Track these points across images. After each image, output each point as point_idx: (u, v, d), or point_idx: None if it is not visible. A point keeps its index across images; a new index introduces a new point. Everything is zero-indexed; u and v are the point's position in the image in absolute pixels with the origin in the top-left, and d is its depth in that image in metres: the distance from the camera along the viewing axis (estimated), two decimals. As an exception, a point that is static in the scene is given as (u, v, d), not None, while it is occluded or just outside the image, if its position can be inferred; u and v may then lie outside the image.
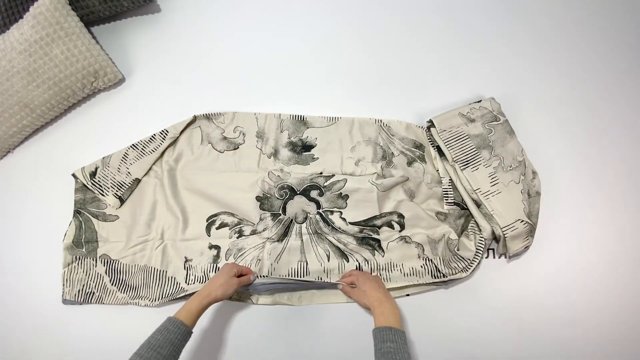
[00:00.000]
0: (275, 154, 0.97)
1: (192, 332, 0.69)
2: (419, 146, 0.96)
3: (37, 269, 0.94)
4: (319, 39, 1.06)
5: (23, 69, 0.94)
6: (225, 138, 0.98)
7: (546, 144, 0.96)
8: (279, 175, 0.95)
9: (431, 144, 0.96)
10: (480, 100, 0.95)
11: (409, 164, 0.95)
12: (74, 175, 0.95)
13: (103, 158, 0.96)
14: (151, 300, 0.89)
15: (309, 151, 0.97)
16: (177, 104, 1.02)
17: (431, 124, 0.95)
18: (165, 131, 0.97)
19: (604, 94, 1.00)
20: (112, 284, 0.90)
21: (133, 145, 0.96)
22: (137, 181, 0.95)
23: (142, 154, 0.95)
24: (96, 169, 0.95)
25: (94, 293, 0.90)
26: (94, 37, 1.02)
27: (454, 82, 1.02)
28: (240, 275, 0.80)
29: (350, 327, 0.87)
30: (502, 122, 0.93)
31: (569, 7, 1.06)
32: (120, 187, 0.94)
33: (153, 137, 0.97)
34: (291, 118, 0.99)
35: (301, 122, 0.99)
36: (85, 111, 1.04)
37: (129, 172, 0.94)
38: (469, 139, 0.91)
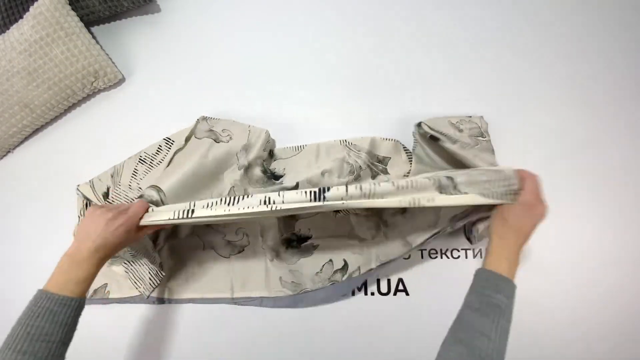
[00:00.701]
0: (247, 168, 0.90)
1: (85, 299, 0.55)
2: (382, 160, 0.95)
3: (37, 269, 0.94)
4: (319, 39, 1.06)
5: (23, 69, 0.94)
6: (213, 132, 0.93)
7: (545, 143, 0.96)
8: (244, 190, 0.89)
9: (409, 152, 0.94)
10: (471, 116, 0.95)
11: (373, 177, 0.93)
12: (86, 197, 0.89)
13: (112, 176, 0.93)
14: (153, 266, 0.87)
15: (278, 180, 0.92)
16: (177, 104, 1.02)
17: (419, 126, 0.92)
18: (170, 140, 0.94)
19: (605, 93, 0.99)
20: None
21: (141, 159, 0.94)
22: None
23: (150, 167, 0.93)
24: (108, 189, 0.92)
25: (107, 284, 0.91)
26: (94, 37, 1.02)
27: (453, 84, 1.02)
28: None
29: (343, 326, 0.88)
30: (486, 140, 0.91)
31: (572, 7, 1.05)
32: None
33: (159, 148, 0.94)
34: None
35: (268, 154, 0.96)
36: (85, 111, 1.04)
37: (139, 187, 0.92)
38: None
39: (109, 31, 1.08)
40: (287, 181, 0.90)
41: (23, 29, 0.92)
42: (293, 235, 0.93)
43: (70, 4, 0.97)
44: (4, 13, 0.96)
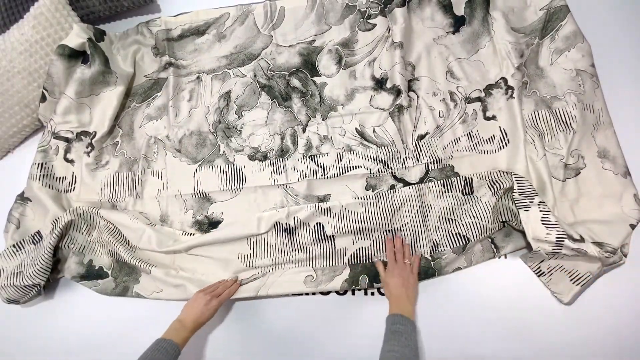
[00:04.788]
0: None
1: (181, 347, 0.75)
2: (322, 199, 0.92)
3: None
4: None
5: (24, 69, 0.94)
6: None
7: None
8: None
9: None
10: None
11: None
12: None
13: None
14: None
15: (216, 227, 0.92)
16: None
17: None
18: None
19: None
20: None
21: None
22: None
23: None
24: None
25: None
26: (94, 37, 1.02)
27: None
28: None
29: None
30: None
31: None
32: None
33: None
34: (194, 196, 0.95)
35: (204, 198, 0.94)
36: (85, 111, 1.03)
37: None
38: None
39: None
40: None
41: (24, 29, 0.93)
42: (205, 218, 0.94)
43: (70, 4, 0.97)
44: (4, 13, 0.96)
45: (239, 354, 0.86)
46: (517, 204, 0.81)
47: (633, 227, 0.82)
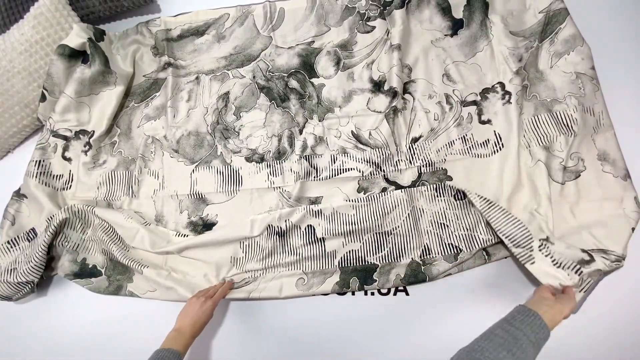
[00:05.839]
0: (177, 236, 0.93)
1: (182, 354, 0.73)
2: (314, 201, 0.92)
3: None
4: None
5: (24, 69, 0.94)
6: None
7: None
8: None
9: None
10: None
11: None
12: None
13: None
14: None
15: (210, 229, 0.92)
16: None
17: None
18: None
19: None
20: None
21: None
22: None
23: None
24: None
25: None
26: (94, 37, 1.02)
27: None
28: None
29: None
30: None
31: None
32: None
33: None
34: (190, 197, 0.95)
35: (200, 199, 0.95)
36: (84, 111, 1.04)
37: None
38: None
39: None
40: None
41: (24, 29, 0.93)
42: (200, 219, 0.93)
43: (70, 4, 0.97)
44: (4, 13, 0.97)
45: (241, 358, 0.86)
46: (520, 259, 0.78)
47: (634, 229, 0.81)
